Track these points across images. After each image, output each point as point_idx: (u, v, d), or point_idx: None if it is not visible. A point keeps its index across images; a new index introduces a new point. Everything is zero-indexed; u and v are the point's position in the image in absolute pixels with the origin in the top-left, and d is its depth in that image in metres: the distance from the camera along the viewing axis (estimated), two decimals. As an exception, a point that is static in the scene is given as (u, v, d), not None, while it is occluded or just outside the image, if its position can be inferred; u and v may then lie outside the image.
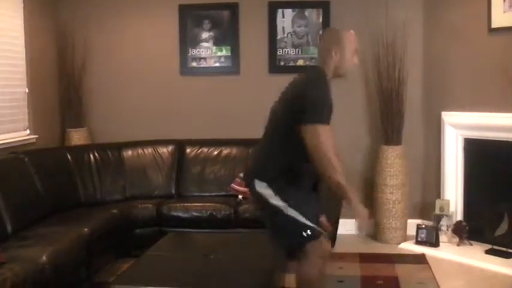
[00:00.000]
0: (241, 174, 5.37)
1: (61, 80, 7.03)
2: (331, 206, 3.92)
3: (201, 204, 6.01)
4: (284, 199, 3.74)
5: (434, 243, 6.11)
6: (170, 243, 4.89)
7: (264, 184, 3.79)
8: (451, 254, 5.91)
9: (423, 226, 6.25)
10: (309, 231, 3.71)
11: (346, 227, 6.41)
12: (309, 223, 3.72)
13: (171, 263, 4.28)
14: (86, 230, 5.00)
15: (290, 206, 3.72)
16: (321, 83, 3.76)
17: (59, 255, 4.40)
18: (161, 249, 4.62)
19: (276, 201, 3.75)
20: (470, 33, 6.07)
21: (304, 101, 3.64)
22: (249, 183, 3.92)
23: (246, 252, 4.51)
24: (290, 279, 4.25)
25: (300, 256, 3.80)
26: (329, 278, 5.15)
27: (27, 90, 6.35)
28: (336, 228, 5.82)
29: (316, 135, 3.58)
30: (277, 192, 3.76)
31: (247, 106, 6.89)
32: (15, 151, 5.83)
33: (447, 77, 6.35)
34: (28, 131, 6.38)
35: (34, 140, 6.42)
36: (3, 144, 5.84)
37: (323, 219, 4.00)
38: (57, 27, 7.02)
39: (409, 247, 6.21)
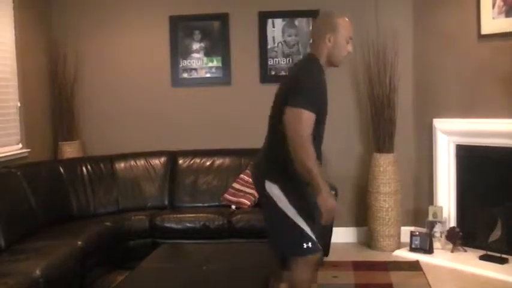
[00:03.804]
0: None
1: (53, 93, 7.02)
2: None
3: (194, 215, 6.00)
4: (294, 205, 3.71)
5: (428, 250, 6.12)
6: (164, 254, 4.89)
7: (276, 186, 3.74)
8: (445, 261, 5.92)
9: (417, 233, 6.26)
10: (310, 244, 3.71)
11: (340, 235, 6.43)
12: (312, 236, 3.73)
13: (165, 274, 4.28)
14: (79, 243, 4.99)
15: (299, 213, 3.71)
16: (313, 68, 3.76)
17: (53, 269, 4.40)
18: (155, 261, 4.63)
19: (285, 206, 3.72)
20: (460, 40, 6.10)
21: (297, 87, 3.63)
22: (257, 183, 3.91)
23: (239, 262, 4.50)
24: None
25: (291, 264, 3.80)
26: (323, 286, 5.17)
27: (19, 104, 6.33)
28: (329, 237, 5.82)
29: (297, 118, 3.54)
30: (288, 197, 3.72)
31: (239, 116, 6.90)
32: (7, 165, 5.80)
33: (438, 84, 6.37)
34: (20, 145, 6.35)
35: (26, 154, 6.40)
36: (-5, 158, 5.83)
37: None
38: (49, 40, 7.01)
39: (403, 254, 6.22)
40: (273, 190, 3.75)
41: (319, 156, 3.75)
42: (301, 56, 6.81)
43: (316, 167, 3.56)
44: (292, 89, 3.64)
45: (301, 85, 3.65)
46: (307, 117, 3.55)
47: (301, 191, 3.74)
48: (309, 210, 3.73)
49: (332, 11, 3.99)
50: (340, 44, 3.80)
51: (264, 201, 3.88)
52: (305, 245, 3.70)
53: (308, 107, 3.55)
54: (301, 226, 3.70)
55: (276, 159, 3.78)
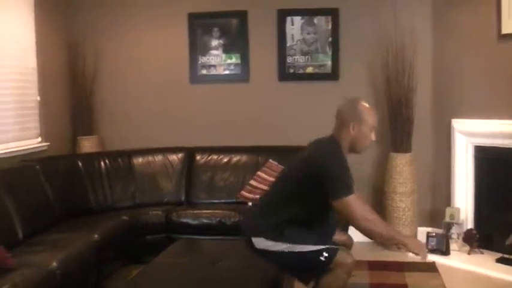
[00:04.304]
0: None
1: (72, 88, 7.08)
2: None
3: (210, 211, 6.02)
4: (286, 241, 3.77)
5: (445, 252, 6.08)
6: (179, 250, 4.89)
7: (262, 239, 3.82)
8: (462, 263, 5.88)
9: (433, 234, 6.22)
10: (324, 253, 3.71)
11: (356, 234, 6.41)
12: (321, 246, 3.73)
13: (179, 269, 4.28)
14: (95, 236, 5.03)
15: (295, 243, 3.76)
16: (339, 157, 3.78)
17: (69, 261, 4.44)
18: (169, 256, 4.63)
19: (279, 247, 3.78)
20: (479, 40, 6.05)
21: (328, 178, 3.67)
22: (246, 244, 3.94)
23: (254, 259, 4.48)
24: (300, 286, 4.24)
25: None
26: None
27: (38, 99, 6.41)
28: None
29: (347, 208, 3.65)
30: (277, 239, 3.79)
31: (257, 113, 6.92)
32: (26, 159, 5.88)
33: (457, 83, 6.33)
34: (39, 139, 6.43)
35: (45, 148, 6.47)
36: (15, 152, 5.89)
37: (339, 236, 4.08)
38: (69, 36, 7.07)
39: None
40: (262, 243, 3.83)
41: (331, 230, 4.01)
42: (319, 55, 6.83)
43: (387, 230, 3.80)
44: (326, 179, 3.68)
45: (333, 173, 3.69)
46: (353, 201, 3.65)
47: (284, 232, 3.80)
48: (301, 233, 3.81)
49: (358, 98, 4.00)
50: (364, 134, 3.86)
51: (261, 256, 3.90)
52: (322, 258, 3.70)
53: (348, 191, 3.65)
54: (304, 250, 3.74)
55: (270, 216, 3.87)
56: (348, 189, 3.65)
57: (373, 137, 3.90)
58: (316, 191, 3.72)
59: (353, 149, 3.90)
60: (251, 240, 3.87)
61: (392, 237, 3.79)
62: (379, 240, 4.02)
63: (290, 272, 4.01)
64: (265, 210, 3.95)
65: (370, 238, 3.86)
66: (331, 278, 3.70)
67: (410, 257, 6.05)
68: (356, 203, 3.67)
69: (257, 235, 3.84)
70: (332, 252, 3.71)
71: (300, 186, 3.80)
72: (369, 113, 3.87)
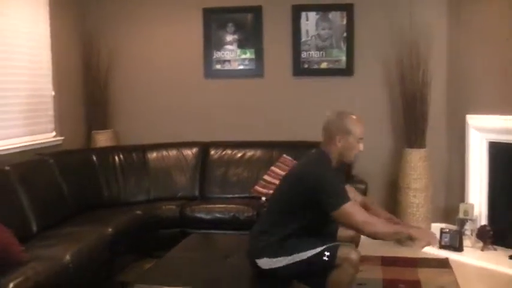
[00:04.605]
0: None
1: (87, 82, 7.11)
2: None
3: (224, 206, 6.03)
4: (288, 254, 3.82)
5: (458, 248, 6.06)
6: (192, 244, 4.90)
7: (265, 259, 3.87)
8: (475, 259, 5.85)
9: (447, 230, 6.20)
10: (326, 253, 3.75)
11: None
12: (320, 248, 3.77)
13: (192, 264, 4.30)
14: (109, 230, 5.05)
15: (295, 252, 3.80)
16: (328, 172, 3.85)
17: (82, 255, 4.46)
18: (183, 250, 4.65)
19: (283, 262, 3.83)
20: (495, 35, 6.00)
21: (323, 194, 3.74)
22: (252, 265, 3.97)
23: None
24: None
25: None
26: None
27: (53, 93, 6.44)
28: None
29: (346, 216, 3.74)
30: (279, 253, 3.84)
31: (271, 108, 6.92)
32: (41, 152, 5.91)
33: (472, 79, 6.29)
34: (54, 133, 6.47)
35: (60, 142, 6.51)
36: (29, 145, 5.93)
37: (346, 232, 4.11)
38: (83, 30, 7.10)
39: (433, 251, 6.14)
40: (266, 263, 3.87)
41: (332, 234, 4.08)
42: (334, 50, 6.82)
43: (391, 228, 3.85)
44: (322, 196, 3.75)
45: (326, 189, 3.77)
46: (350, 207, 3.75)
47: (284, 245, 3.86)
48: (298, 240, 3.86)
49: (344, 111, 4.03)
50: (351, 145, 3.92)
51: (272, 276, 3.92)
52: (325, 258, 3.74)
53: (343, 200, 3.74)
54: (305, 256, 3.78)
55: (268, 234, 3.92)
56: (343, 199, 3.74)
57: (361, 147, 3.95)
58: (313, 208, 3.79)
59: (341, 160, 3.97)
60: (256, 263, 3.91)
61: (399, 233, 3.87)
62: (388, 239, 4.13)
63: (303, 282, 4.02)
64: (264, 229, 3.98)
65: (379, 239, 3.93)
66: (338, 274, 3.73)
67: (423, 251, 6.08)
68: (354, 209, 3.75)
69: (260, 256, 3.89)
70: (333, 250, 3.75)
71: (293, 204, 3.87)
72: (355, 124, 3.92)
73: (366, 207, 4.18)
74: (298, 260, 3.78)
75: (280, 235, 3.86)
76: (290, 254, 3.80)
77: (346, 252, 3.74)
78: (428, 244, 3.85)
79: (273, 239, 3.86)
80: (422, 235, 3.84)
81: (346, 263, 3.71)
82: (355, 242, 4.16)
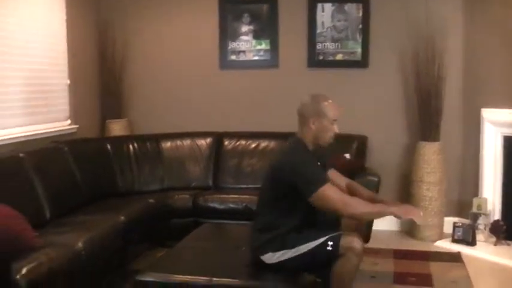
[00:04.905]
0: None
1: (102, 71, 7.15)
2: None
3: (237, 196, 6.06)
4: (290, 247, 3.82)
5: (471, 242, 6.03)
6: (204, 233, 4.91)
7: (269, 254, 3.87)
8: (488, 254, 5.83)
9: (460, 224, 6.18)
10: (329, 243, 3.75)
11: (382, 223, 6.39)
12: (323, 238, 3.77)
13: (203, 253, 4.31)
14: (122, 218, 5.09)
15: (298, 245, 3.81)
16: (302, 158, 3.84)
17: (95, 242, 4.48)
18: (195, 240, 4.66)
19: (287, 255, 3.83)
20: (511, 28, 5.98)
21: (298, 181, 3.74)
22: (257, 262, 3.96)
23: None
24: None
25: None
26: (362, 273, 5.15)
27: (68, 82, 6.48)
28: (370, 224, 5.79)
29: (324, 199, 3.73)
30: (282, 247, 3.84)
31: (285, 99, 6.89)
32: (56, 140, 5.95)
33: (487, 73, 6.25)
34: (69, 121, 6.51)
35: (75, 130, 6.56)
36: (44, 133, 5.98)
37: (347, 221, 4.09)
38: (99, 19, 7.12)
39: (445, 245, 6.15)
40: (270, 258, 3.87)
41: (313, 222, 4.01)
42: (349, 42, 6.80)
43: (371, 207, 3.81)
44: (297, 179, 3.75)
45: (301, 175, 3.75)
46: (327, 191, 3.73)
47: (286, 241, 3.86)
48: (300, 234, 3.87)
49: (318, 94, 4.03)
50: (325, 127, 3.90)
51: (278, 270, 3.91)
52: (328, 248, 3.75)
53: (319, 182, 3.73)
54: (308, 248, 3.79)
55: (268, 229, 3.92)
56: (317, 183, 3.72)
57: (335, 129, 3.93)
58: (299, 198, 3.79)
59: (317, 143, 3.95)
60: (261, 259, 3.91)
61: (380, 212, 3.87)
62: (369, 217, 4.16)
63: (309, 273, 4.02)
64: (261, 227, 3.98)
65: (360, 219, 3.98)
66: (342, 263, 3.74)
67: (435, 245, 6.07)
68: (330, 191, 3.73)
69: (263, 252, 3.89)
70: (336, 240, 3.74)
71: (282, 197, 3.88)
72: (328, 107, 3.91)
73: (352, 189, 4.20)
74: (301, 252, 3.79)
75: (280, 230, 3.87)
76: (293, 247, 3.80)
77: (349, 241, 3.74)
78: (414, 218, 3.84)
79: (274, 235, 3.86)
80: (405, 212, 3.84)
81: (350, 252, 3.71)
82: (359, 231, 4.14)
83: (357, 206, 3.75)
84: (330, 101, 3.94)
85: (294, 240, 3.82)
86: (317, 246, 3.76)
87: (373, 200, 4.01)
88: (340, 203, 3.70)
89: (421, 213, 3.91)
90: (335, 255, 3.74)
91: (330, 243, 3.74)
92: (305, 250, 3.79)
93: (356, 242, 3.75)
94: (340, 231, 3.87)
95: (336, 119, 3.92)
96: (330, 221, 4.07)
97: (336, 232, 3.81)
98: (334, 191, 3.75)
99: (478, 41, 6.38)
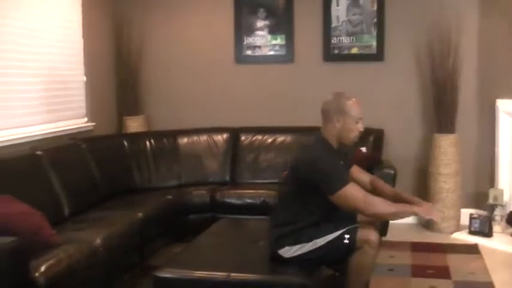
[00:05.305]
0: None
1: (118, 68, 7.18)
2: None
3: (254, 191, 6.08)
4: (307, 240, 3.84)
5: (488, 234, 6.02)
6: (221, 229, 4.93)
7: (286, 248, 3.89)
8: (505, 245, 5.83)
9: (476, 216, 6.17)
10: (346, 236, 3.77)
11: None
12: (339, 231, 3.79)
13: (220, 248, 4.34)
14: (140, 214, 5.14)
15: (313, 238, 3.83)
16: (323, 155, 3.83)
17: (113, 239, 4.54)
18: (212, 235, 4.68)
19: (304, 248, 3.85)
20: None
21: (320, 180, 3.74)
22: (275, 257, 3.97)
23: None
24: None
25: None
26: (379, 266, 5.17)
27: (85, 79, 6.51)
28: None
29: (346, 199, 3.73)
30: (299, 241, 3.86)
31: (301, 94, 6.92)
32: (73, 138, 6.00)
33: (502, 64, 6.22)
34: (86, 119, 6.55)
35: (92, 128, 6.59)
36: (62, 131, 6.02)
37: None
38: (115, 16, 7.15)
39: (462, 237, 6.15)
40: (288, 252, 3.89)
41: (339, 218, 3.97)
42: (364, 36, 6.80)
43: (392, 207, 3.80)
44: (320, 181, 3.75)
45: (324, 174, 3.75)
46: (350, 190, 3.73)
47: (303, 234, 3.88)
48: (317, 226, 3.88)
49: (341, 92, 4.02)
50: (349, 126, 3.89)
51: (295, 264, 3.92)
52: (345, 241, 3.77)
53: (340, 183, 3.72)
54: (326, 241, 3.81)
55: (286, 224, 3.93)
56: (339, 182, 3.73)
57: (360, 128, 3.92)
58: (319, 195, 3.78)
59: (341, 142, 3.95)
60: (279, 254, 3.92)
61: (402, 212, 3.85)
62: (391, 218, 4.17)
63: (326, 266, 4.05)
64: (280, 222, 3.99)
65: (382, 219, 4.00)
66: (359, 256, 3.75)
67: (452, 237, 6.07)
68: (353, 190, 3.74)
69: (281, 246, 3.90)
70: (353, 233, 3.76)
71: (303, 194, 3.87)
72: (352, 106, 3.89)
73: (375, 185, 4.21)
74: (318, 245, 3.81)
75: (298, 225, 3.88)
76: (310, 240, 3.82)
77: (365, 234, 3.76)
78: (433, 217, 3.90)
79: (292, 229, 3.88)
80: (425, 212, 3.84)
81: (367, 245, 3.73)
82: (374, 224, 4.14)
83: (379, 206, 3.75)
84: (353, 99, 3.93)
85: (311, 234, 3.84)
86: (334, 239, 3.78)
87: (397, 198, 4.02)
88: (362, 202, 3.71)
89: (439, 213, 3.93)
90: (352, 248, 3.75)
91: (347, 236, 3.75)
92: (322, 243, 3.81)
93: (372, 235, 3.77)
94: (357, 223, 3.89)
95: (360, 117, 3.91)
96: (346, 214, 4.09)
97: (352, 225, 3.83)
98: (356, 190, 3.75)
99: (492, 33, 6.36)
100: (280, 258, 3.93)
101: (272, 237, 3.99)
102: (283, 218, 3.97)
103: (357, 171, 4.24)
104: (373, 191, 4.05)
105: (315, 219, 3.89)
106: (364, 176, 4.29)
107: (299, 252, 3.86)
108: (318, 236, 3.82)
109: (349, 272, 3.84)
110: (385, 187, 4.26)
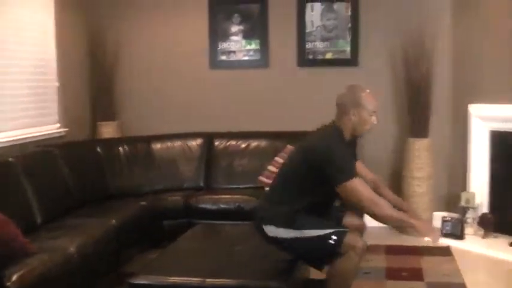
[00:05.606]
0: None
1: (92, 74, 7.14)
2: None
3: (229, 196, 6.08)
4: (294, 227, 3.84)
5: (460, 236, 6.10)
6: (197, 234, 4.94)
7: (272, 227, 3.90)
8: (476, 247, 5.90)
9: (448, 218, 6.24)
10: (333, 237, 3.76)
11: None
12: (329, 230, 3.79)
13: (196, 253, 4.34)
14: (114, 221, 5.11)
15: (302, 228, 3.82)
16: (339, 146, 3.84)
17: (88, 246, 4.51)
18: (187, 241, 4.68)
19: (288, 234, 3.85)
20: (500, 25, 6.01)
21: (330, 166, 3.73)
22: (259, 232, 4.01)
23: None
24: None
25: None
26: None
27: (57, 84, 6.46)
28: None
29: (352, 192, 3.72)
30: (287, 225, 3.85)
31: (276, 99, 6.94)
32: (45, 144, 5.94)
33: (475, 69, 6.29)
34: (58, 125, 6.49)
35: (64, 134, 6.53)
36: (34, 137, 5.96)
37: (352, 220, 4.12)
38: (89, 21, 7.11)
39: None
40: (273, 231, 3.90)
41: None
42: (339, 41, 6.83)
43: (395, 213, 3.78)
44: (328, 168, 3.74)
45: (334, 161, 3.75)
46: (357, 184, 3.72)
47: (294, 220, 3.87)
48: (309, 219, 3.87)
49: (355, 85, 4.05)
50: (365, 119, 3.92)
51: (273, 243, 3.97)
52: (331, 241, 3.76)
53: (350, 175, 3.72)
54: (313, 235, 3.80)
55: (279, 203, 3.95)
56: (350, 174, 3.72)
57: (374, 120, 3.96)
58: (321, 181, 3.78)
59: (355, 134, 3.98)
60: (263, 229, 3.94)
61: (403, 221, 3.84)
62: (389, 223, 4.06)
63: (302, 259, 4.05)
64: (274, 199, 4.01)
65: (380, 221, 3.88)
66: (342, 261, 3.75)
67: (426, 240, 6.11)
68: (361, 185, 3.73)
69: (268, 223, 3.91)
70: (340, 235, 3.75)
71: (305, 178, 3.88)
72: (368, 99, 3.93)
73: (376, 186, 4.21)
74: (304, 236, 3.80)
75: (289, 208, 3.87)
76: (297, 229, 3.81)
77: (353, 239, 3.76)
78: (431, 239, 3.91)
79: (283, 211, 3.88)
80: (425, 230, 3.87)
81: (352, 252, 3.73)
82: (360, 231, 4.15)
83: (384, 208, 3.74)
84: (367, 91, 3.97)
85: (300, 223, 3.83)
86: (321, 236, 3.77)
87: (397, 206, 4.04)
88: (368, 200, 3.70)
89: (439, 234, 3.93)
90: (335, 250, 3.75)
91: (334, 237, 3.75)
92: (307, 235, 3.80)
93: (359, 242, 3.79)
94: (344, 227, 3.90)
95: (375, 110, 3.95)
96: (338, 215, 4.12)
97: (342, 228, 3.84)
98: (364, 187, 3.75)
99: (466, 37, 6.42)
100: (262, 232, 3.94)
101: (262, 212, 4.01)
102: (279, 197, 3.99)
103: (360, 167, 4.23)
104: (374, 190, 4.00)
105: (309, 205, 3.88)
106: (367, 173, 4.30)
107: (283, 236, 3.86)
108: (306, 226, 3.81)
109: (332, 276, 3.86)
110: (388, 191, 4.31)
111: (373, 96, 3.97)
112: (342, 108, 3.94)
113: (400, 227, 3.96)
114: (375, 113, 3.95)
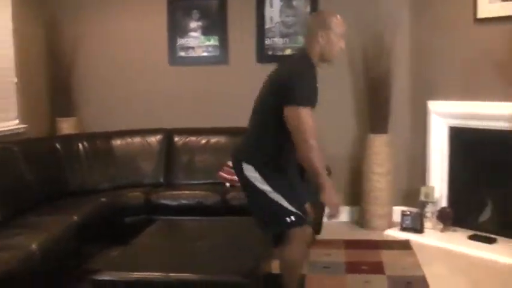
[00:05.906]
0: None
1: (51, 69, 7.07)
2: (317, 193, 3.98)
3: (189, 192, 6.08)
4: (270, 184, 3.82)
5: (419, 230, 6.19)
6: (158, 230, 4.92)
7: (252, 168, 3.86)
8: (435, 240, 6.00)
9: (408, 213, 6.32)
10: (292, 217, 3.78)
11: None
12: (293, 209, 3.80)
13: (158, 249, 4.36)
14: (75, 218, 5.08)
15: (275, 190, 3.81)
16: (305, 66, 3.82)
17: (49, 243, 4.48)
18: (149, 237, 4.67)
19: (262, 185, 3.83)
20: (456, 23, 6.11)
21: (289, 84, 3.70)
22: (236, 166, 3.98)
23: (233, 238, 4.55)
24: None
25: (283, 241, 3.88)
26: (315, 264, 5.25)
27: (15, 80, 6.39)
28: (321, 215, 5.87)
29: (297, 116, 3.65)
30: (264, 176, 3.83)
31: (235, 95, 6.93)
32: (4, 141, 5.87)
33: (434, 66, 6.38)
34: (17, 121, 6.43)
35: (23, 130, 6.46)
36: (-9, 133, 5.89)
37: (307, 206, 4.09)
38: (46, 16, 7.03)
39: (394, 234, 6.29)
40: (249, 171, 3.87)
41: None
42: (298, 37, 6.86)
43: (320, 164, 3.69)
44: (286, 87, 3.71)
45: (294, 82, 3.71)
46: (306, 113, 3.66)
47: (277, 173, 3.88)
48: (287, 188, 3.87)
49: (325, 10, 4.04)
50: (332, 41, 3.88)
51: (243, 183, 3.97)
52: (288, 219, 3.78)
53: (304, 103, 3.67)
54: (280, 202, 3.80)
55: (259, 148, 3.92)
56: (307, 102, 3.68)
57: (342, 44, 3.93)
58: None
59: (323, 58, 3.92)
60: (241, 164, 3.91)
61: (319, 173, 3.69)
62: (307, 165, 3.72)
63: (254, 210, 4.03)
64: (253, 139, 3.98)
65: (302, 159, 3.76)
66: (292, 250, 3.83)
67: (385, 233, 6.21)
68: (310, 118, 3.67)
69: (249, 162, 3.87)
70: (298, 221, 3.80)
71: (272, 114, 3.80)
72: (336, 21, 3.90)
73: None
74: (270, 197, 3.80)
75: (265, 151, 3.87)
76: (271, 187, 3.80)
77: (302, 233, 3.82)
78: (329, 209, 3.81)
79: (262, 155, 3.87)
80: (329, 198, 3.73)
81: (300, 239, 3.82)
82: (333, 215, 4.08)
83: (314, 148, 3.64)
84: (338, 16, 3.94)
85: (278, 183, 3.83)
86: (283, 207, 3.79)
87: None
88: (308, 133, 3.63)
89: (339, 213, 3.82)
90: (284, 228, 3.81)
91: (292, 218, 3.78)
92: (274, 199, 3.81)
93: (307, 230, 3.87)
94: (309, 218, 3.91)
95: (343, 34, 3.91)
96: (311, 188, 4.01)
97: (305, 215, 3.85)
98: (311, 120, 3.67)
99: (424, 35, 6.50)
100: (238, 166, 3.93)
101: (245, 151, 3.98)
102: (256, 140, 3.95)
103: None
104: None
105: (279, 159, 3.88)
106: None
107: (254, 182, 3.85)
108: (280, 192, 3.81)
109: (282, 267, 3.94)
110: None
111: (342, 21, 3.94)
112: (310, 31, 3.92)
113: (311, 177, 3.78)
114: (343, 37, 3.92)
